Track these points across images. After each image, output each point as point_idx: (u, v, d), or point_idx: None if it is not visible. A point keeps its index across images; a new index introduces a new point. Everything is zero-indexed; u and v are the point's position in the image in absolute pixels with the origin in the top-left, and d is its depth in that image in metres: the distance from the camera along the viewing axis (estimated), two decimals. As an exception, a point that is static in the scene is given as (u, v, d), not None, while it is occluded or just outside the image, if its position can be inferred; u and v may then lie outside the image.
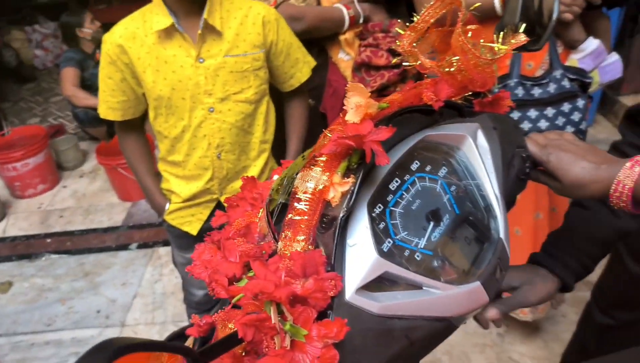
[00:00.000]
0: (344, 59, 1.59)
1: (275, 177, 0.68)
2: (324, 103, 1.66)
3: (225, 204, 0.66)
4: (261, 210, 0.63)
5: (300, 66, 1.40)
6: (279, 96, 1.48)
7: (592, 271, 0.83)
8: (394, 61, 0.65)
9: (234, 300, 0.44)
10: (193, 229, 1.42)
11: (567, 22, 1.37)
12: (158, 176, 1.46)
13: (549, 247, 0.85)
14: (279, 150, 1.49)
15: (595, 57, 1.41)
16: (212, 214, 1.39)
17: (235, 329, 0.39)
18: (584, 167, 0.68)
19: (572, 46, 1.43)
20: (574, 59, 1.43)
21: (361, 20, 1.58)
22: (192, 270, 0.54)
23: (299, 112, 1.48)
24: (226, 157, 1.33)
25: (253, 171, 1.39)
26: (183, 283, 1.63)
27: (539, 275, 0.81)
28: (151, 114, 1.30)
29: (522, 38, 0.58)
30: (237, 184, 1.32)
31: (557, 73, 1.37)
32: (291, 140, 1.47)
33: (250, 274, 0.47)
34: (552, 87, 1.36)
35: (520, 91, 1.38)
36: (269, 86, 1.38)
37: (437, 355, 1.80)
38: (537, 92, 1.38)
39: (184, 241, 1.48)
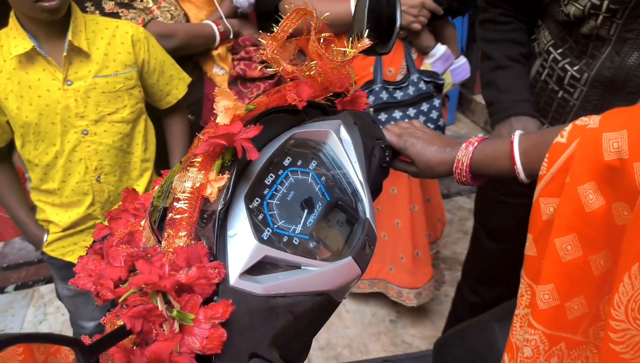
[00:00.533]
0: (218, 73, 1.63)
1: (157, 188, 0.70)
2: (204, 117, 1.68)
3: (106, 220, 0.66)
4: (144, 220, 0.64)
5: (175, 83, 1.41)
6: (159, 114, 1.47)
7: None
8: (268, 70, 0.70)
9: (121, 299, 0.45)
10: (76, 258, 1.35)
11: (417, 31, 1.54)
12: (33, 209, 1.37)
13: (514, 103, 1.06)
14: (164, 167, 1.47)
15: (444, 61, 1.60)
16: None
17: (124, 323, 0.41)
18: (432, 151, 0.79)
19: (424, 52, 1.60)
20: (427, 64, 1.60)
21: (231, 36, 1.63)
22: (76, 282, 0.54)
23: (179, 128, 1.48)
24: (106, 179, 1.29)
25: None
26: (71, 317, 1.54)
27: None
28: (18, 143, 1.23)
29: (366, 42, 0.67)
30: (121, 207, 1.29)
31: (414, 77, 1.53)
32: (174, 156, 1.47)
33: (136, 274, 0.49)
34: (411, 90, 1.52)
35: (384, 95, 1.52)
36: (148, 105, 1.37)
37: (338, 350, 1.88)
38: (399, 95, 1.52)
39: (68, 273, 1.40)
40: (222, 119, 0.55)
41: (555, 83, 1.05)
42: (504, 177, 0.74)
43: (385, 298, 2.06)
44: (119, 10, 1.45)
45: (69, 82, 1.17)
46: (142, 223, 0.64)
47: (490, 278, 1.44)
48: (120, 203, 0.67)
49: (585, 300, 0.63)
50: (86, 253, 0.59)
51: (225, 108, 0.55)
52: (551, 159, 0.64)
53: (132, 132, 1.32)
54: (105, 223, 0.66)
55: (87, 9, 1.41)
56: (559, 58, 1.04)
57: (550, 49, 1.05)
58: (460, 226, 2.54)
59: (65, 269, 1.39)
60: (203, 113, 1.68)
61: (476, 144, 0.76)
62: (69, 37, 1.14)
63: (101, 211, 1.32)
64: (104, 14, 1.41)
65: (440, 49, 1.59)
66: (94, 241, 0.63)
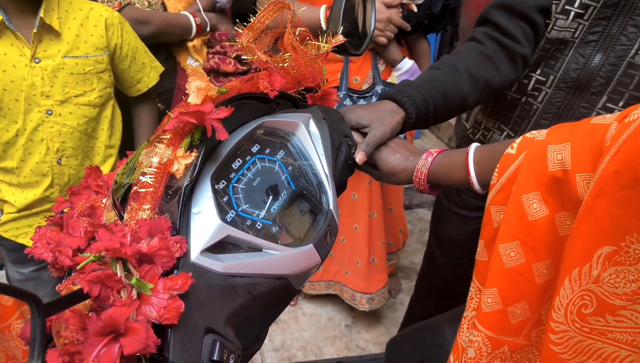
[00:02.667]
0: (192, 65, 1.63)
1: (122, 167, 0.69)
2: (173, 107, 1.67)
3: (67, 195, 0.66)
4: (105, 199, 0.64)
5: (147, 71, 1.39)
6: (128, 101, 1.46)
7: (431, 115, 0.90)
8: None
9: (79, 266, 0.45)
10: (30, 240, 1.32)
11: (384, 45, 1.59)
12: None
13: (398, 86, 0.90)
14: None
15: (409, 75, 1.65)
16: (52, 225, 1.30)
17: (81, 287, 0.41)
18: (396, 158, 0.82)
19: (391, 65, 1.65)
20: (394, 76, 1.65)
21: (208, 29, 1.63)
22: (32, 251, 0.54)
23: (148, 117, 1.47)
24: (68, 162, 1.26)
25: (98, 177, 1.34)
26: (19, 303, 1.49)
27: (387, 111, 0.85)
28: (-22, 118, 1.19)
29: (340, 38, 0.69)
30: (81, 191, 1.26)
31: (379, 88, 1.58)
32: (141, 144, 1.45)
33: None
34: (374, 100, 1.56)
35: (348, 102, 1.56)
36: (118, 91, 1.35)
37: (292, 352, 1.88)
38: (362, 103, 1.56)
39: (20, 255, 1.36)
40: (193, 98, 0.55)
41: (516, 92, 1.09)
42: (460, 187, 0.77)
43: (341, 303, 2.08)
44: (95, -7, 1.43)
45: (37, 60, 1.15)
46: (104, 201, 0.64)
47: (440, 292, 1.47)
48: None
49: (527, 305, 0.66)
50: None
51: (198, 88, 0.56)
52: (501, 170, 0.67)
53: (99, 117, 1.30)
54: (66, 197, 0.65)
55: (62, -10, 1.39)
56: None
57: None
58: (420, 237, 2.59)
59: (18, 251, 1.35)
60: (173, 103, 1.68)
61: (435, 155, 0.79)
62: (41, 14, 1.12)
63: (59, 194, 1.29)
64: (79, -5, 1.39)
65: (407, 63, 1.65)
66: (52, 215, 0.62)
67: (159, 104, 1.60)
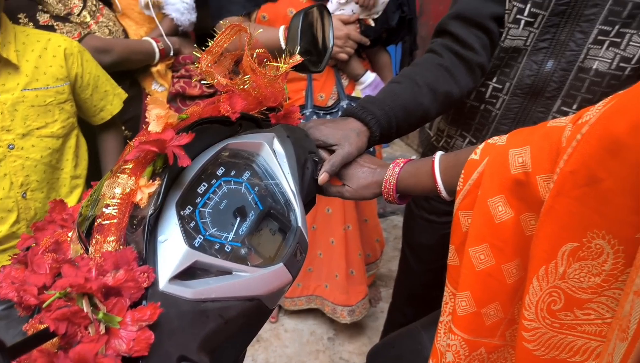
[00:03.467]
0: (158, 90, 1.62)
1: (87, 198, 0.69)
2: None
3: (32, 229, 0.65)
4: (71, 232, 0.63)
5: (110, 99, 1.38)
6: (93, 129, 1.44)
7: (394, 130, 0.92)
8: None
9: (45, 304, 0.45)
10: (-2, 280, 1.28)
11: (345, 60, 1.61)
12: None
13: (361, 103, 0.91)
14: (95, 185, 1.44)
15: (373, 88, 1.68)
16: (20, 261, 1.27)
17: (47, 325, 0.41)
18: (364, 172, 0.83)
19: (354, 79, 1.68)
20: (358, 90, 1.67)
21: (172, 53, 1.63)
22: (-3, 292, 0.53)
23: (113, 145, 1.45)
24: (33, 196, 1.24)
25: (65, 209, 1.32)
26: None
27: (352, 130, 0.86)
28: (-64, 156, 1.16)
29: (298, 58, 0.70)
30: (49, 225, 1.24)
31: (344, 103, 1.61)
32: (107, 172, 1.44)
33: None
34: (339, 116, 1.58)
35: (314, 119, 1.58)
36: (83, 120, 1.34)
37: (276, 370, 1.87)
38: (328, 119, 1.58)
39: (-12, 295, 1.32)
40: (154, 126, 0.55)
41: (475, 100, 1.12)
42: (428, 194, 0.79)
43: (322, 317, 2.08)
44: (54, 24, 1.42)
45: (-5, 94, 1.13)
46: (70, 234, 0.63)
47: (417, 298, 1.48)
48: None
49: (500, 306, 0.67)
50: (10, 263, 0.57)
51: (158, 116, 0.56)
52: (466, 175, 0.69)
53: (62, 148, 1.28)
54: (31, 233, 0.64)
55: (20, 21, 1.37)
56: None
57: None
58: (396, 245, 2.61)
59: (-15, 291, 1.31)
60: (140, 129, 1.66)
61: (402, 165, 0.80)
62: (-3, 47, 1.10)
63: (26, 229, 1.26)
64: (38, 26, 1.38)
65: (370, 76, 1.67)
66: (17, 253, 0.61)
67: (126, 131, 1.58)
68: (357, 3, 1.54)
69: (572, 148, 0.55)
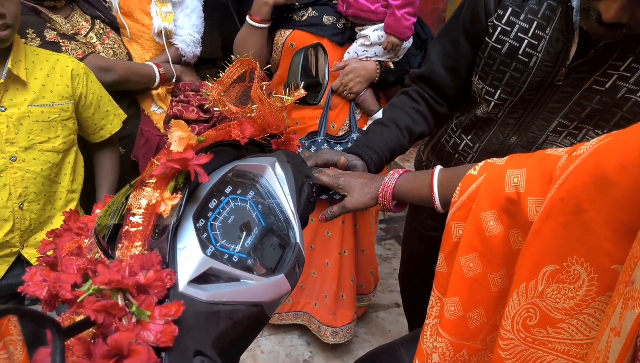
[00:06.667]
0: (156, 112, 1.70)
1: (98, 211, 0.75)
2: (135, 151, 1.72)
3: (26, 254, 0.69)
4: (87, 239, 0.69)
5: (110, 118, 1.44)
6: (89, 146, 1.49)
7: (384, 165, 1.11)
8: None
9: (80, 299, 0.50)
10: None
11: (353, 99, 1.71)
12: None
13: (360, 145, 1.10)
14: (89, 200, 1.48)
15: None
16: (10, 270, 1.30)
17: (87, 315, 0.47)
18: (362, 180, 0.91)
19: (368, 114, 1.77)
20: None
21: (174, 79, 1.72)
22: (25, 290, 0.58)
23: (109, 163, 1.51)
24: (29, 207, 1.28)
25: (59, 221, 1.36)
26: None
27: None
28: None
29: (302, 92, 0.78)
30: (41, 236, 1.27)
31: (354, 135, 1.70)
32: (102, 188, 1.48)
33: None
34: (349, 145, 1.67)
35: (325, 146, 1.67)
36: (79, 135, 1.39)
37: (254, 390, 1.89)
38: (338, 148, 1.67)
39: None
40: (175, 147, 0.62)
41: (451, 148, 1.24)
42: (423, 204, 0.85)
43: (298, 338, 2.12)
44: (60, 41, 1.48)
45: (3, 108, 1.18)
46: (86, 241, 0.69)
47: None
48: (42, 231, 0.68)
49: (483, 311, 0.72)
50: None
51: (180, 138, 0.63)
52: (463, 188, 0.73)
53: (62, 163, 1.33)
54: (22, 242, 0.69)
55: (28, 36, 1.43)
56: (455, 129, 1.23)
57: (454, 120, 1.24)
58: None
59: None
60: (135, 147, 1.72)
61: (402, 172, 0.89)
62: (9, 65, 1.16)
63: (20, 238, 1.29)
64: (44, 42, 1.44)
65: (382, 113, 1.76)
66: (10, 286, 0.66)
67: (120, 148, 1.64)
68: (384, 48, 1.62)
69: (564, 177, 0.58)
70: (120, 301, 0.49)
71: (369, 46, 1.62)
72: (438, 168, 0.84)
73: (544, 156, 0.67)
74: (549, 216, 0.58)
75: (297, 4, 1.59)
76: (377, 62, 1.68)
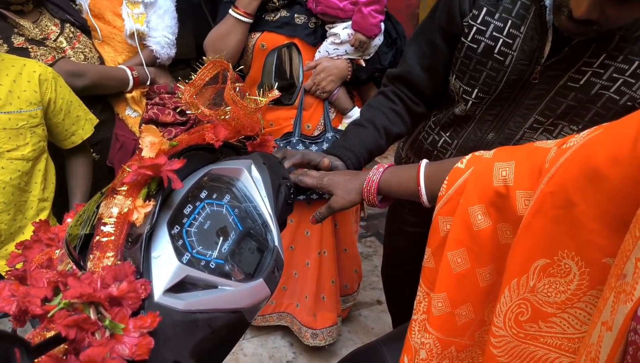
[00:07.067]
0: (131, 115, 1.66)
1: (70, 220, 0.73)
2: (110, 157, 1.69)
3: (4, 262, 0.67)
4: (58, 250, 0.67)
5: (82, 123, 1.41)
6: (60, 152, 1.45)
7: (362, 166, 1.11)
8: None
9: (50, 314, 0.49)
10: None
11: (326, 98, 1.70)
12: None
13: (338, 146, 1.10)
14: (61, 207, 1.44)
15: None
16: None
17: (58, 332, 0.45)
18: (346, 177, 0.91)
19: (342, 113, 1.76)
20: (345, 123, 1.76)
21: (148, 82, 1.68)
22: (-7, 306, 0.56)
23: (82, 169, 1.47)
24: (-1, 218, 1.24)
25: (30, 231, 1.32)
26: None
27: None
28: None
29: (275, 93, 0.77)
30: (12, 247, 1.24)
31: (329, 134, 1.69)
32: (75, 196, 1.45)
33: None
34: (325, 146, 1.67)
35: (301, 147, 1.65)
36: (50, 142, 1.35)
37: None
38: (314, 148, 1.66)
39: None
40: (147, 152, 0.61)
41: (430, 145, 1.25)
42: (409, 198, 0.84)
43: (281, 339, 2.11)
44: (29, 47, 1.44)
45: (-32, 117, 1.14)
46: (57, 252, 0.67)
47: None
48: (13, 242, 0.66)
49: (472, 307, 0.71)
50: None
51: (151, 143, 0.61)
52: (450, 182, 0.72)
53: (32, 171, 1.29)
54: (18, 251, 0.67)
55: (-6, 43, 1.39)
56: (433, 126, 1.24)
57: (432, 118, 1.24)
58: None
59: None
60: (110, 152, 1.69)
61: (387, 166, 0.88)
62: (-28, 72, 1.12)
63: (-9, 251, 1.26)
64: (12, 48, 1.40)
65: (357, 111, 1.76)
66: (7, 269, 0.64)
67: (94, 154, 1.60)
68: (352, 45, 1.61)
69: (554, 170, 0.58)
70: (92, 315, 0.47)
71: (339, 44, 1.61)
72: (424, 161, 0.83)
73: (533, 148, 0.67)
74: (540, 210, 0.58)
75: (275, 2, 1.56)
76: (349, 60, 1.67)
